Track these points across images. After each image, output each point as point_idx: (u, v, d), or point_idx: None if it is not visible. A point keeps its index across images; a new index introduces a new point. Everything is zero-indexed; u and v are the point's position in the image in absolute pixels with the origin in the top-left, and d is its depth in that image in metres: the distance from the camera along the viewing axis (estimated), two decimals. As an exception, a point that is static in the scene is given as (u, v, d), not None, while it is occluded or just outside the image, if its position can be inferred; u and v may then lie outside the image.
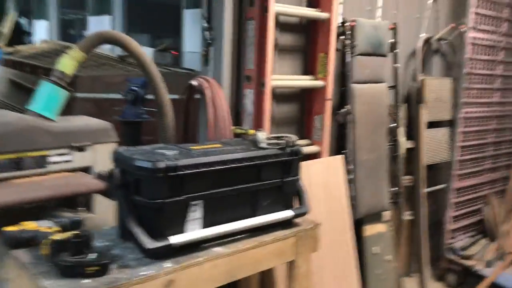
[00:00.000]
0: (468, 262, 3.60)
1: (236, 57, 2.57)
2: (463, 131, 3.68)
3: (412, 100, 3.44)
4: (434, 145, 3.60)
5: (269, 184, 1.93)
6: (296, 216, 2.02)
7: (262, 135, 2.02)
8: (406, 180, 3.43)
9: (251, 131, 2.14)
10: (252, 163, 1.85)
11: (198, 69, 2.82)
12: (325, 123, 2.80)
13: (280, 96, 2.78)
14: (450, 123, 3.79)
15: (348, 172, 2.94)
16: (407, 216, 3.45)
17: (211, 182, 1.75)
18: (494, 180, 4.13)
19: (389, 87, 3.22)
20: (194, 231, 1.74)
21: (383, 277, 3.19)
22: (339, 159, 2.88)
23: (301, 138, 2.91)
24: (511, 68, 4.06)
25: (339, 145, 3.04)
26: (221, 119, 2.34)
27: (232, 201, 1.84)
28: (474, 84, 3.70)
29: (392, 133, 3.29)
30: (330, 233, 2.72)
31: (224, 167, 1.76)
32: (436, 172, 3.78)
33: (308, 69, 2.87)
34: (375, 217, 3.17)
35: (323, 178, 2.73)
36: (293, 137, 2.03)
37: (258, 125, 2.49)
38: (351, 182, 2.95)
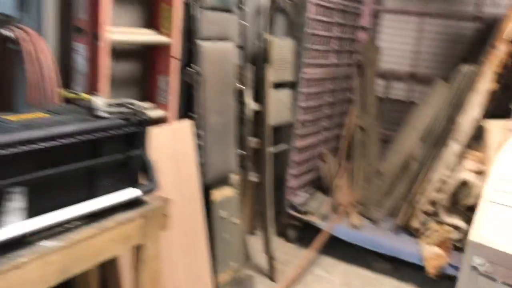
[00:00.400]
0: (306, 217, 3.79)
1: (64, 4, 2.13)
2: (304, 92, 3.76)
3: (259, 60, 3.37)
4: (278, 107, 3.62)
5: (110, 161, 1.64)
6: (143, 194, 1.78)
7: (100, 101, 1.70)
8: (252, 142, 3.39)
9: (86, 96, 1.79)
10: (88, 137, 1.53)
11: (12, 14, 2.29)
12: (172, 84, 2.54)
13: (119, 53, 2.43)
14: (292, 85, 3.85)
15: (198, 137, 2.76)
16: (253, 177, 3.45)
17: (35, 164, 1.40)
18: (329, 138, 4.39)
19: (237, 46, 3.07)
20: (14, 224, 1.39)
21: (230, 239, 3.16)
22: (187, 123, 2.67)
23: (144, 100, 2.61)
24: (345, 30, 4.26)
25: (187, 108, 2.82)
26: (47, 79, 1.92)
27: (64, 183, 1.52)
28: (315, 45, 3.79)
29: (240, 95, 3.19)
30: (179, 203, 2.54)
31: (52, 144, 1.42)
32: (279, 133, 3.84)
33: (152, 22, 2.55)
34: (223, 181, 3.08)
35: (170, 145, 2.50)
36: (139, 104, 1.75)
37: (93, 88, 2.13)
38: (200, 148, 2.78)
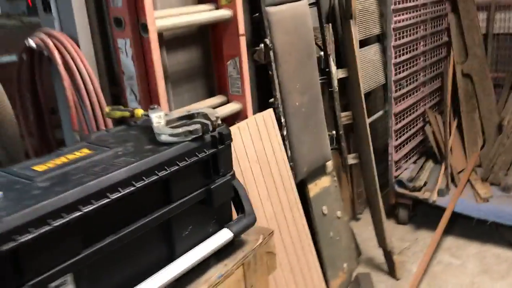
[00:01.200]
0: (419, 194, 3.17)
1: (93, -8, 1.64)
2: (395, 44, 3.08)
3: (339, 17, 2.74)
4: (369, 69, 2.98)
5: (187, 201, 1.15)
6: (238, 234, 1.28)
7: (161, 118, 1.20)
8: (344, 117, 2.81)
9: (139, 111, 1.31)
10: (152, 179, 1.04)
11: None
12: (243, 68, 2.01)
13: (173, 41, 1.92)
14: (378, 38, 3.18)
15: (281, 126, 2.23)
16: (351, 159, 2.87)
17: (80, 237, 0.93)
18: (430, 94, 3.68)
19: (309, 4, 2.47)
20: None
21: (336, 237, 2.64)
22: (268, 114, 2.14)
23: (213, 94, 2.11)
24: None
25: (264, 94, 2.29)
26: (86, 96, 1.46)
27: (131, 250, 1.05)
28: (401, -14, 3.07)
29: (322, 64, 2.60)
30: (278, 216, 2.04)
31: (99, 203, 0.94)
32: (371, 99, 3.21)
33: (205, -5, 2.01)
34: (318, 172, 2.54)
35: (254, 146, 1.98)
36: (211, 112, 1.23)
37: (147, 94, 1.64)
38: (285, 139, 2.25)
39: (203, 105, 1.99)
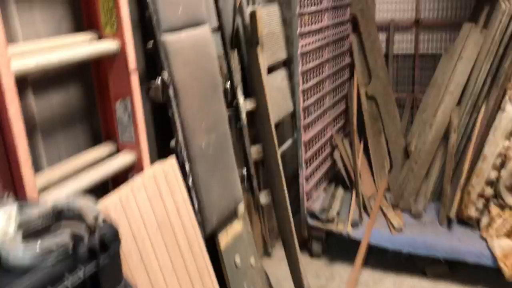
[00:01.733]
0: (333, 227, 3.01)
1: None
2: (302, 70, 2.90)
3: (241, 42, 2.47)
4: (277, 97, 2.75)
5: None
6: None
7: (9, 221, 0.81)
8: (254, 151, 2.54)
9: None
10: None
11: None
12: (136, 111, 1.64)
13: (42, 81, 1.49)
14: (284, 63, 2.98)
15: (185, 174, 1.89)
16: (263, 198, 2.62)
17: None
18: (336, 117, 3.57)
19: (212, 30, 2.17)
20: None
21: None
22: (169, 164, 1.78)
23: (99, 142, 1.71)
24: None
25: (161, 136, 1.93)
26: None
27: None
28: (305, 7, 2.89)
29: (229, 96, 2.31)
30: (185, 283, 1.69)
31: None
32: (279, 128, 2.99)
33: (87, 21, 1.61)
34: (228, 218, 2.24)
35: (153, 209, 1.62)
36: (88, 208, 0.87)
37: (4, 163, 1.21)
38: (191, 189, 1.92)
39: (86, 158, 1.59)
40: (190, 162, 1.91)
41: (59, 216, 0.87)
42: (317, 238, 3.13)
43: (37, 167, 1.48)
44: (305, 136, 3.00)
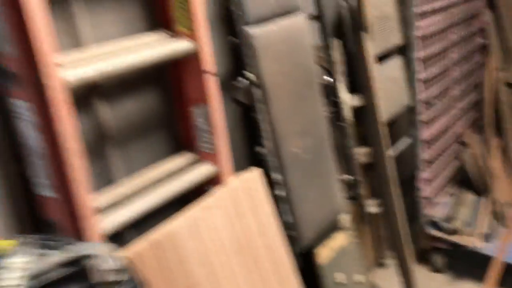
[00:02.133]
0: (459, 239, 2.57)
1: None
2: (421, 56, 2.49)
3: (347, 29, 2.16)
4: (389, 90, 2.40)
5: None
6: None
7: (16, 273, 0.67)
8: (360, 154, 2.24)
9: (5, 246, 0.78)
10: None
11: None
12: (215, 116, 1.46)
13: (116, 88, 1.39)
14: (400, 50, 2.59)
15: (274, 184, 1.68)
16: (372, 208, 2.30)
17: None
18: (465, 111, 3.06)
19: (309, 17, 1.91)
20: None
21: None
22: (254, 174, 1.59)
23: (177, 150, 1.57)
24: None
25: (249, 143, 1.74)
26: None
27: None
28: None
29: (329, 92, 2.03)
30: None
31: None
32: (395, 125, 2.63)
33: (156, 18, 1.47)
34: (328, 231, 1.99)
35: (234, 228, 1.43)
36: (103, 262, 0.69)
37: (59, 179, 1.12)
38: (281, 201, 1.70)
39: (163, 169, 1.46)
40: (281, 171, 1.70)
41: (78, 264, 0.72)
42: (440, 251, 2.71)
43: (111, 179, 1.39)
44: (426, 133, 2.59)
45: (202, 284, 1.26)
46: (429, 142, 2.65)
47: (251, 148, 1.70)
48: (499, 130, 2.96)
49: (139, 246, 1.18)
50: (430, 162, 2.68)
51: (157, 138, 1.53)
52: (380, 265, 2.81)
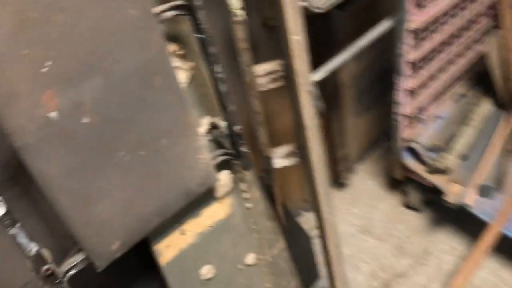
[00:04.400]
0: (440, 182, 1.68)
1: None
2: None
3: None
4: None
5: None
6: None
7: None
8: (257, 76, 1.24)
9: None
10: None
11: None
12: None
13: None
14: None
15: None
16: (282, 161, 1.39)
17: None
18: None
19: None
20: None
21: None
22: None
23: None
24: None
25: None
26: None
27: None
28: None
29: None
30: None
31: None
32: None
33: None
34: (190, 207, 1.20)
35: None
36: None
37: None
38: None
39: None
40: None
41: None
42: (417, 185, 1.85)
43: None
44: (416, 17, 1.48)
45: None
46: (417, 32, 1.55)
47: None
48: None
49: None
50: (418, 62, 1.62)
51: None
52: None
